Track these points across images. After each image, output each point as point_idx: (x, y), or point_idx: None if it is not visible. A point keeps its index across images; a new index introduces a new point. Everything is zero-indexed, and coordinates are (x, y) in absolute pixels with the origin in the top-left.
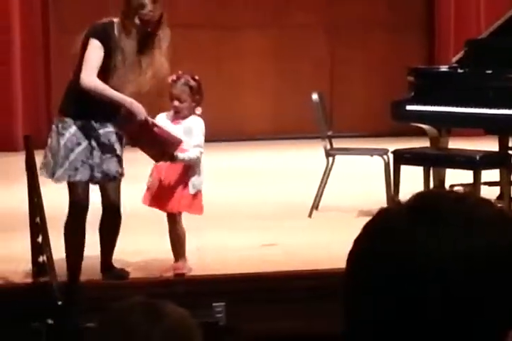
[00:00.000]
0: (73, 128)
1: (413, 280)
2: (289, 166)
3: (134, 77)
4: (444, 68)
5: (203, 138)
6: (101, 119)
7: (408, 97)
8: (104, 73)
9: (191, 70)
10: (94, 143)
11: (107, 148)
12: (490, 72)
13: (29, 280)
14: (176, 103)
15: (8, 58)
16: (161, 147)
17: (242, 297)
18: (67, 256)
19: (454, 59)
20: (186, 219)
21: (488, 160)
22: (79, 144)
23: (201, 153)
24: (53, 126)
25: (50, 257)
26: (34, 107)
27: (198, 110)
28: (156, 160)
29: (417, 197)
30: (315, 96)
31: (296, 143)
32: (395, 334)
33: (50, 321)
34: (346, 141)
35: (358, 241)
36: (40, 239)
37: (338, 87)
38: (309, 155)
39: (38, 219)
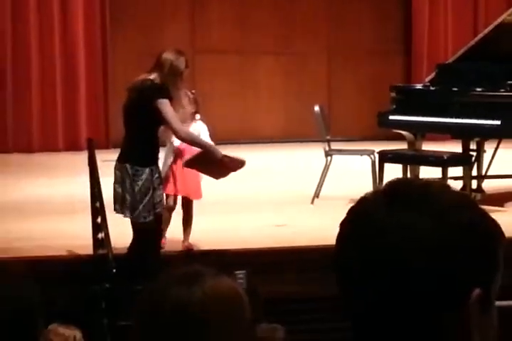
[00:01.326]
0: (144, 176)
1: (395, 250)
2: (296, 163)
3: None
4: (419, 86)
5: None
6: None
7: (391, 109)
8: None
9: (220, 87)
10: (156, 186)
11: (160, 186)
12: (455, 89)
13: (90, 252)
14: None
15: (73, 76)
16: (226, 170)
17: (259, 267)
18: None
19: (427, 79)
20: (211, 205)
21: (453, 160)
22: (149, 189)
23: None
24: (124, 173)
25: (107, 234)
26: (95, 116)
27: (197, 116)
28: (217, 178)
29: (390, 184)
30: (316, 108)
31: (301, 145)
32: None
33: (107, 285)
34: (341, 143)
35: (343, 224)
36: (99, 220)
37: (335, 100)
38: (312, 154)
39: (97, 204)
